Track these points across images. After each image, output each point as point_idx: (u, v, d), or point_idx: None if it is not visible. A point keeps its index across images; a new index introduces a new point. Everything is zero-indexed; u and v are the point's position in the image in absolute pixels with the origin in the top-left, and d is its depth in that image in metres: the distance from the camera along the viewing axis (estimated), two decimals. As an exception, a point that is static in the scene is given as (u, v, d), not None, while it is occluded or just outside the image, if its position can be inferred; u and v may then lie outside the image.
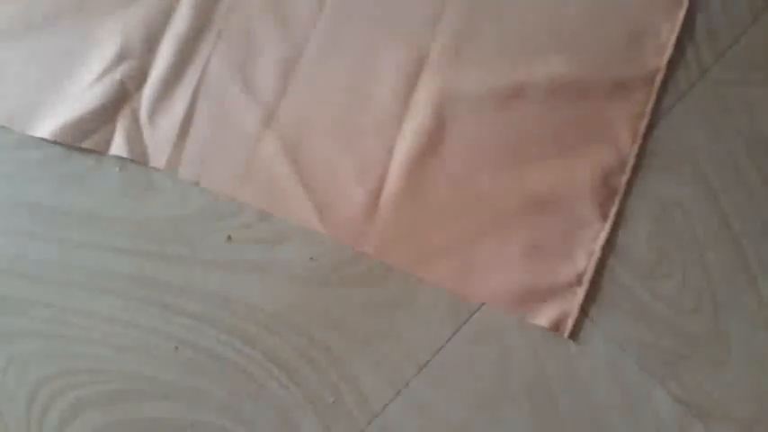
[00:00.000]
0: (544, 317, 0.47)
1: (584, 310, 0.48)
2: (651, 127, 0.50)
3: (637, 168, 0.49)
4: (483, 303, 0.48)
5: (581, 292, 0.47)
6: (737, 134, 0.50)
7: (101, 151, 0.50)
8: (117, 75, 0.50)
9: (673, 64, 0.51)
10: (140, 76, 0.51)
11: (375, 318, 0.48)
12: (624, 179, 0.48)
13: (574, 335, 0.47)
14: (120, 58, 0.51)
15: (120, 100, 0.50)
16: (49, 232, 0.50)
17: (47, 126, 0.50)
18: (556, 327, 0.47)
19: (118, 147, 0.50)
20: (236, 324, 0.49)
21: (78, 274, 0.50)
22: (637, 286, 0.48)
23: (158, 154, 0.50)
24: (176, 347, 0.48)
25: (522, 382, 0.47)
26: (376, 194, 0.48)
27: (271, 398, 0.48)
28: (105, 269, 0.50)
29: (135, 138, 0.50)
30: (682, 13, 0.50)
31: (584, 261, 0.47)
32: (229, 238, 0.50)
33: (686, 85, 0.51)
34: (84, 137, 0.50)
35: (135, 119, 0.50)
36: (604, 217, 0.48)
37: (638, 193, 0.49)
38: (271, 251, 0.50)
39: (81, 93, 0.50)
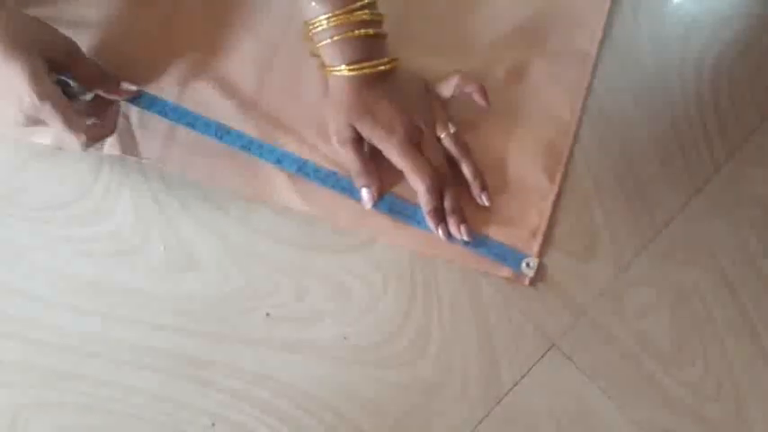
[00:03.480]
0: (505, 270, 0.52)
1: (610, 398, 0.49)
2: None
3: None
4: (512, 387, 0.50)
5: (536, 245, 0.52)
6: (752, 227, 0.53)
7: (97, 149, 0.54)
8: None
9: (691, 160, 0.54)
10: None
11: (406, 399, 0.50)
12: (567, 146, 0.55)
13: (532, 283, 0.52)
14: None
15: None
16: (92, 306, 0.52)
17: (49, 135, 0.54)
18: (516, 278, 0.52)
19: (111, 146, 0.54)
20: (272, 402, 0.50)
21: (118, 349, 0.51)
22: (661, 373, 0.50)
23: (149, 151, 0.55)
24: (213, 423, 0.50)
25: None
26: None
27: (303, 477, 0.49)
28: (144, 344, 0.51)
29: (127, 137, 0.55)
30: (607, 4, 0.58)
31: (536, 218, 0.53)
32: (267, 315, 0.52)
33: (701, 182, 0.54)
34: None
35: (127, 122, 0.55)
36: (552, 181, 0.54)
37: (661, 283, 0.52)
38: (306, 329, 0.51)
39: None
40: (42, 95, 0.46)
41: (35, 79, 0.46)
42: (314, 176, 0.53)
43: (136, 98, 0.54)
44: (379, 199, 0.52)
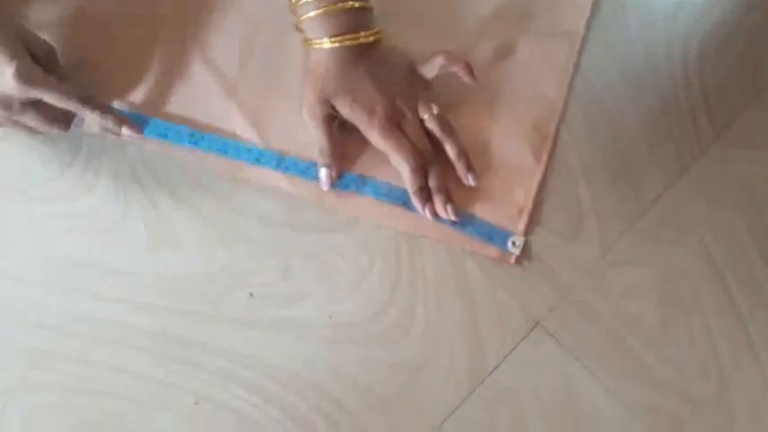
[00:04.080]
0: (492, 250, 0.51)
1: (594, 377, 0.49)
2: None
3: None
4: (497, 366, 0.50)
5: (522, 224, 0.52)
6: (738, 208, 0.53)
7: (76, 126, 0.52)
8: None
9: (677, 141, 0.54)
10: None
11: (391, 378, 0.50)
12: (553, 125, 0.54)
13: (518, 262, 0.52)
14: None
15: None
16: (73, 285, 0.51)
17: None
18: (502, 256, 0.51)
19: (91, 123, 0.52)
20: (257, 381, 0.49)
21: (101, 328, 0.50)
22: (646, 352, 0.50)
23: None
24: (196, 402, 0.49)
25: (536, 444, 0.48)
26: None
27: (287, 456, 0.48)
28: (128, 324, 0.50)
29: None
30: None
31: (522, 197, 0.52)
32: (251, 295, 0.51)
33: (689, 160, 0.54)
34: None
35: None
36: (538, 160, 0.53)
37: (646, 262, 0.52)
38: (290, 308, 0.51)
39: None
40: (30, 75, 0.46)
41: (22, 63, 0.46)
42: (293, 170, 0.52)
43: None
44: (338, 180, 0.52)
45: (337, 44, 0.49)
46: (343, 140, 0.52)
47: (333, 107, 0.51)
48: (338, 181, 0.52)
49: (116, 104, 0.54)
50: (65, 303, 0.51)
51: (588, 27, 0.57)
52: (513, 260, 0.51)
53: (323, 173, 0.51)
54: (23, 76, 0.46)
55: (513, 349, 0.50)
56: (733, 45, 0.57)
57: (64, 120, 0.51)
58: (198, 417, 0.49)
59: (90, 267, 0.51)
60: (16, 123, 0.49)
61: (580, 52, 0.56)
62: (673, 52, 0.57)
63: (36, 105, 0.49)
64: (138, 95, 0.55)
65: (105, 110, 0.51)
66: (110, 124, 0.51)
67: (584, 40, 0.57)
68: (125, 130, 0.51)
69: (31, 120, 0.49)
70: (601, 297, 0.51)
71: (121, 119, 0.51)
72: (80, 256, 0.52)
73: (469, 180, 0.51)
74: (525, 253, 0.52)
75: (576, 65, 0.56)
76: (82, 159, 0.54)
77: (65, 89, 0.48)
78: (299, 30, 0.51)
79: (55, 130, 0.50)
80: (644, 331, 0.50)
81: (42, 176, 0.53)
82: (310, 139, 0.52)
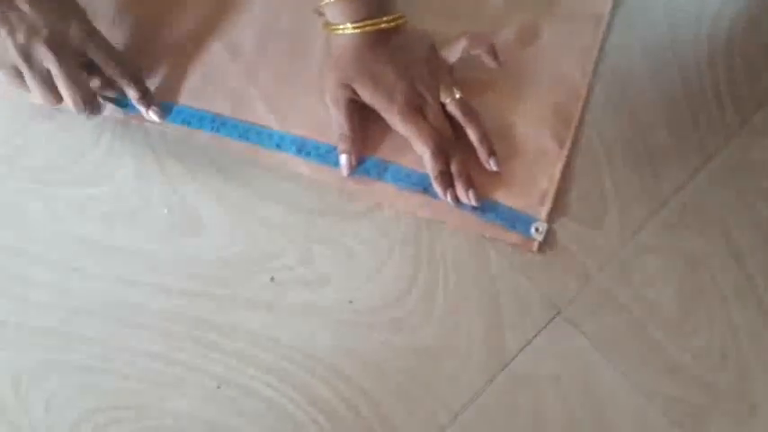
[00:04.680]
0: (514, 236, 0.51)
1: (615, 366, 0.49)
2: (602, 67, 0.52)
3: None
4: (517, 353, 0.50)
5: (545, 210, 0.51)
6: (762, 198, 0.52)
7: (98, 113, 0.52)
8: None
9: (702, 127, 0.54)
10: None
11: (410, 363, 0.50)
12: (577, 110, 0.53)
13: (540, 249, 0.51)
14: None
15: None
16: (94, 268, 0.52)
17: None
18: (524, 243, 0.51)
19: (114, 108, 0.54)
20: (278, 364, 0.50)
21: (122, 310, 0.51)
22: (666, 341, 0.50)
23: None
24: (218, 386, 0.50)
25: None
26: None
27: (308, 439, 0.49)
28: (149, 306, 0.51)
29: None
30: None
31: (546, 183, 0.52)
32: (272, 279, 0.51)
33: (713, 149, 0.53)
34: None
35: None
36: (562, 145, 0.53)
37: (668, 251, 0.51)
38: (311, 293, 0.51)
39: None
40: (92, 28, 0.49)
41: (86, 18, 0.49)
42: (314, 155, 0.52)
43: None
44: (359, 166, 0.52)
45: (358, 30, 0.48)
46: (365, 126, 0.52)
47: (354, 92, 0.50)
48: (359, 166, 0.52)
49: None
50: (84, 285, 0.51)
51: (613, 9, 0.56)
52: (535, 246, 0.51)
53: (343, 159, 0.51)
54: (87, 25, 0.49)
55: (534, 337, 0.50)
56: (763, 28, 0.56)
57: (96, 102, 0.50)
58: (220, 400, 0.49)
59: (112, 250, 0.52)
60: (50, 88, 0.49)
61: (605, 36, 0.56)
62: (700, 35, 0.56)
63: (77, 79, 0.48)
64: (157, 81, 0.54)
65: (143, 87, 0.52)
66: (140, 103, 0.51)
67: (610, 23, 0.56)
68: (152, 114, 0.51)
69: (68, 85, 0.48)
70: (622, 286, 0.51)
71: (152, 101, 0.52)
72: (101, 239, 0.52)
73: (492, 165, 0.51)
74: (548, 240, 0.51)
75: (601, 49, 0.55)
76: (105, 143, 0.54)
77: (117, 52, 0.50)
78: (319, 14, 0.51)
79: (82, 109, 0.49)
80: (665, 320, 0.50)
81: (64, 159, 0.54)
82: (331, 123, 0.52)
